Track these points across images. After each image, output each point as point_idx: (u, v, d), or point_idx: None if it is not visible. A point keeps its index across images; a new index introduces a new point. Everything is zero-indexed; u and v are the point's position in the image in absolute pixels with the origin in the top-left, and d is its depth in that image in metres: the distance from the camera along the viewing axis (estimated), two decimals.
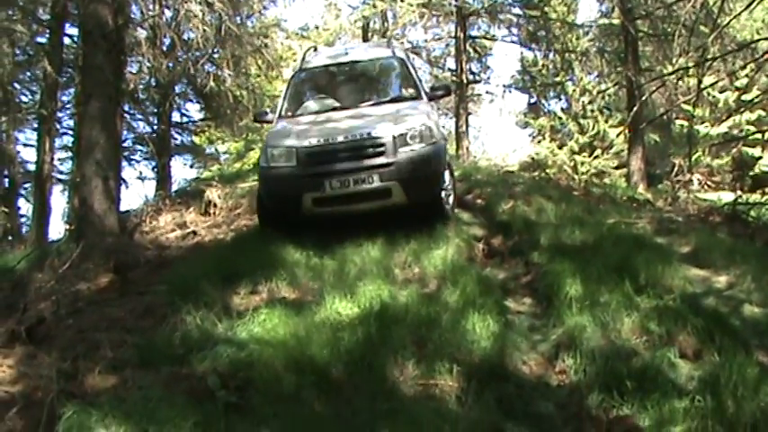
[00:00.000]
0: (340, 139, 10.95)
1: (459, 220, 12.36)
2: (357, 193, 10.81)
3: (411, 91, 13.20)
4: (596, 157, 27.13)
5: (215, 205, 14.21)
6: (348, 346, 7.46)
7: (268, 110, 15.16)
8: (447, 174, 11.89)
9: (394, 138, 10.92)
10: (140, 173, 29.35)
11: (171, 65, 22.02)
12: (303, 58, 14.48)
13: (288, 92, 13.48)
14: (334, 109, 12.68)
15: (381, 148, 10.88)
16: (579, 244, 10.46)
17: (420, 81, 13.53)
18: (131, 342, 7.88)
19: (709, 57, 18.41)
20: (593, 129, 29.92)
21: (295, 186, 10.85)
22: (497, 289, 9.29)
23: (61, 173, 28.96)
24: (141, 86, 23.49)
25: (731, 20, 19.26)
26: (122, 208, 13.35)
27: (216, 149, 36.46)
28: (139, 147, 28.63)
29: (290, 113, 12.93)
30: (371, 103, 12.85)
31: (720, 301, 8.81)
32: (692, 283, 9.29)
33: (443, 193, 11.67)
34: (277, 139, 11.51)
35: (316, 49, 15.14)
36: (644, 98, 22.43)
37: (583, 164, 23.76)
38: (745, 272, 9.50)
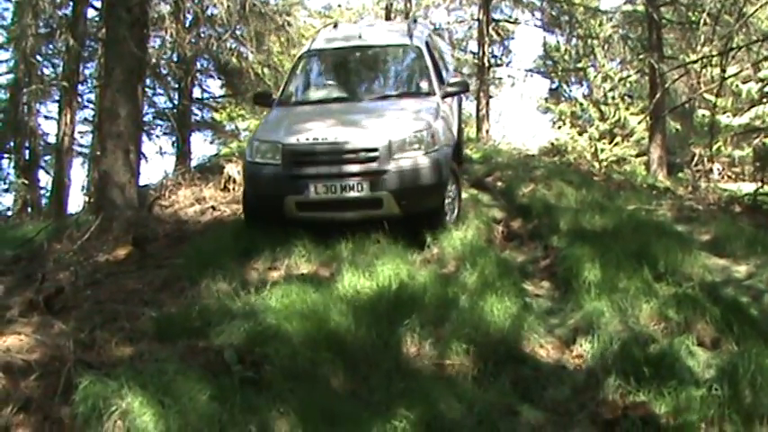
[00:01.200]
0: (330, 138, 9.82)
1: (478, 202, 12.30)
2: (344, 201, 9.71)
3: (424, 85, 11.68)
4: (617, 144, 27.02)
5: (234, 181, 14.12)
6: (365, 324, 7.46)
7: (272, 92, 14.17)
8: (452, 181, 10.60)
9: (390, 142, 9.72)
10: (160, 147, 29.29)
11: (193, 40, 22.02)
12: (314, 38, 13.25)
13: (291, 75, 12.31)
14: (336, 100, 11.59)
15: (374, 153, 9.71)
16: (599, 229, 10.42)
17: (436, 73, 11.89)
18: (149, 314, 7.89)
19: (734, 46, 18.30)
20: (614, 116, 29.79)
21: (277, 187, 9.79)
22: (516, 272, 9.28)
23: (81, 146, 29.01)
24: (163, 61, 23.51)
25: (757, 9, 19.11)
26: (142, 182, 13.32)
27: (236, 126, 36.32)
28: (160, 121, 28.65)
29: (289, 100, 11.76)
30: (377, 96, 11.58)
31: (739, 291, 8.80)
32: (711, 271, 9.27)
33: (446, 202, 10.42)
34: (265, 131, 10.64)
35: (336, 26, 13.72)
36: (666, 86, 22.35)
37: (603, 150, 23.66)
38: (765, 262, 9.51)
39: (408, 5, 34.34)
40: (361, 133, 9.92)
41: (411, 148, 9.84)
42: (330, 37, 12.95)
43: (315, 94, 12.12)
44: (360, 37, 12.65)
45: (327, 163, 9.78)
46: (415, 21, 14.59)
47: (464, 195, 12.03)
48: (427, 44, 12.53)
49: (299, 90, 12.20)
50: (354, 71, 12.69)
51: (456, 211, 10.78)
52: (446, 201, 10.41)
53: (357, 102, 11.37)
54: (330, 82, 12.64)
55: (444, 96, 11.55)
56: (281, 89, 12.20)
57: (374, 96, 11.61)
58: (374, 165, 9.69)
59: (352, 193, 9.64)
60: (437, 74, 11.96)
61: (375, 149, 9.71)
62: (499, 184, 13.95)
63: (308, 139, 9.85)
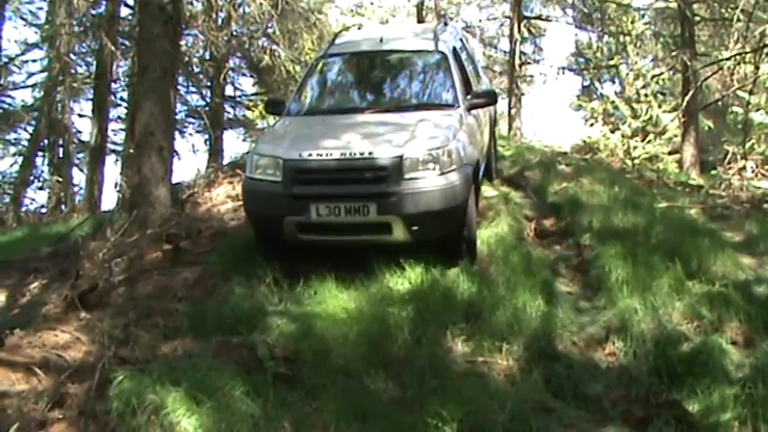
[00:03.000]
0: (336, 155, 8.85)
1: (510, 200, 12.28)
2: (349, 225, 8.78)
3: (446, 95, 10.52)
4: (649, 141, 26.87)
5: None
6: (398, 322, 7.49)
7: (284, 99, 12.33)
8: (471, 204, 9.46)
9: (402, 161, 8.70)
10: (193, 145, 29.36)
11: (226, 38, 22.07)
12: (333, 41, 12.18)
13: (305, 81, 11.31)
14: (348, 110, 10.41)
15: (383, 173, 8.71)
16: (631, 227, 10.38)
17: (462, 82, 10.77)
18: (182, 311, 7.98)
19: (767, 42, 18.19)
20: (646, 113, 29.63)
21: (277, 207, 8.89)
22: (548, 269, 9.26)
23: (115, 143, 29.07)
24: (196, 59, 23.60)
25: None
26: (175, 179, 13.36)
27: (268, 124, 36.49)
28: (192, 119, 28.68)
29: (299, 109, 10.73)
30: (393, 107, 10.36)
31: None
32: (744, 270, 9.23)
33: (465, 230, 9.25)
34: (266, 144, 9.77)
35: (360, 27, 13.13)
36: (699, 83, 22.21)
37: (635, 148, 23.54)
38: None
39: (439, 3, 34.30)
40: (371, 150, 8.87)
41: (425, 167, 8.80)
42: (348, 40, 12.12)
43: (326, 103, 11.05)
44: (381, 41, 11.46)
45: (331, 182, 8.87)
46: (446, 23, 13.05)
47: (494, 193, 12.02)
48: (454, 50, 11.54)
49: (310, 98, 11.19)
50: (371, 79, 11.53)
51: (473, 236, 9.57)
52: (464, 227, 9.24)
53: (370, 113, 10.17)
54: (344, 90, 11.52)
55: (470, 108, 10.43)
56: (292, 96, 11.24)
57: (390, 107, 10.38)
58: (383, 185, 8.69)
59: (358, 217, 8.69)
60: (463, 83, 10.89)
61: (384, 168, 8.73)
62: (531, 181, 13.91)
63: (311, 155, 8.89)
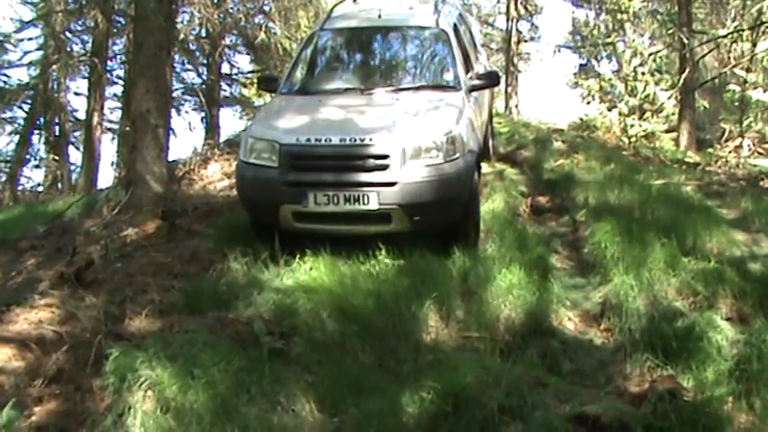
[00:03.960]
0: (335, 140, 8.46)
1: (505, 177, 12.27)
2: (348, 214, 8.39)
3: (448, 76, 10.10)
4: (646, 119, 26.85)
5: None
6: (393, 297, 7.50)
7: (278, 76, 12.17)
8: (475, 192, 9.27)
9: (404, 148, 8.35)
10: (189, 123, 29.30)
11: (221, 15, 22.04)
12: (329, 15, 11.53)
13: (299, 57, 10.74)
14: (346, 90, 9.92)
15: (385, 161, 8.33)
16: (627, 204, 10.41)
17: (463, 62, 10.37)
18: (178, 287, 7.98)
19: (765, 20, 18.18)
20: (643, 91, 29.62)
21: (273, 194, 8.50)
22: (543, 245, 9.27)
23: (111, 122, 29.06)
24: (191, 37, 23.57)
25: None
26: (171, 157, 13.38)
27: (265, 102, 36.42)
28: (189, 97, 28.68)
29: (293, 87, 10.26)
30: (393, 88, 9.80)
31: (767, 266, 8.76)
32: (739, 246, 9.29)
33: (468, 218, 9.04)
34: (261, 126, 9.28)
35: (354, 1, 11.86)
36: (696, 61, 22.20)
37: (632, 126, 23.49)
38: None
39: None
40: (371, 135, 8.47)
41: (428, 155, 8.45)
42: (345, 14, 11.41)
43: (322, 82, 10.45)
44: (379, 16, 10.86)
45: (330, 169, 8.46)
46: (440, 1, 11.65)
47: (490, 170, 11.97)
48: (455, 27, 11.07)
49: (305, 76, 10.61)
50: (369, 56, 11.01)
51: (478, 221, 9.41)
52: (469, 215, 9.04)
53: (369, 94, 9.69)
54: (341, 68, 10.86)
55: (471, 90, 10.03)
56: (286, 73, 10.75)
57: (390, 88, 9.81)
58: (384, 174, 8.32)
59: (357, 206, 8.32)
60: (465, 62, 10.50)
61: (385, 156, 8.34)
62: (527, 158, 13.90)
63: (308, 140, 8.50)
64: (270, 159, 8.61)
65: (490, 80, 10.54)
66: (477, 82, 10.25)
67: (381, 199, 8.28)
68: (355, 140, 8.45)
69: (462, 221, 8.85)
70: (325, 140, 8.48)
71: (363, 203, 8.30)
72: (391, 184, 8.29)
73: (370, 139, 8.43)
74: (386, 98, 9.56)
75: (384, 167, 8.33)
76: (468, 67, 10.65)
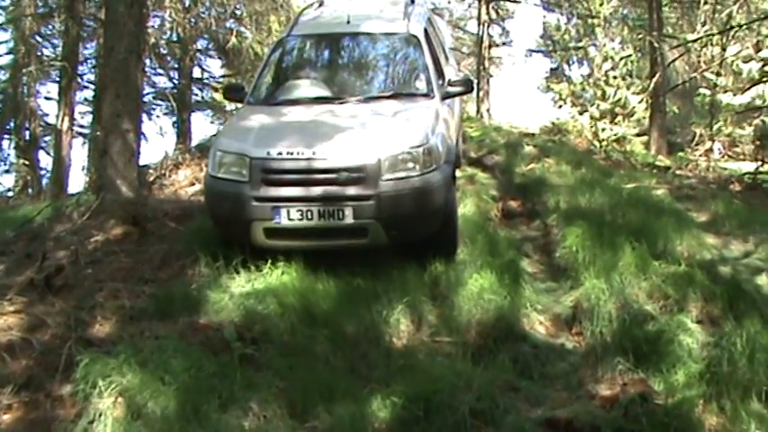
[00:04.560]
0: (308, 153, 8.18)
1: (476, 181, 12.28)
2: (322, 229, 8.15)
3: (421, 84, 9.83)
4: (617, 123, 26.99)
5: None
6: (364, 302, 7.51)
7: (244, 85, 11.88)
8: (453, 203, 9.03)
9: (379, 161, 8.12)
10: (160, 128, 29.26)
11: (193, 20, 22.00)
12: (296, 20, 11.29)
13: (266, 66, 10.50)
14: (317, 99, 9.59)
15: (360, 174, 8.09)
16: (598, 208, 10.44)
17: (435, 69, 10.14)
18: (149, 292, 7.94)
19: (734, 25, 18.30)
20: (614, 95, 29.78)
21: (243, 210, 8.23)
22: (514, 249, 9.29)
23: (82, 126, 28.92)
24: (163, 41, 23.51)
25: None
26: (142, 162, 13.29)
27: (236, 106, 36.37)
28: (160, 102, 28.60)
29: (262, 97, 9.99)
30: (365, 97, 9.59)
31: (737, 269, 8.83)
32: (709, 249, 9.34)
33: (447, 230, 8.77)
34: (229, 138, 9.03)
35: (321, 4, 11.65)
36: (666, 65, 22.33)
37: (603, 130, 23.61)
38: (763, 240, 9.60)
39: None
40: (345, 147, 8.26)
41: (404, 167, 8.22)
42: (313, 20, 11.16)
43: (292, 91, 10.00)
44: (348, 22, 10.52)
45: (303, 183, 8.19)
46: (413, 0, 11.61)
47: (461, 174, 11.91)
48: (426, 32, 10.76)
49: (273, 85, 10.33)
50: (339, 64, 10.78)
51: (457, 233, 9.09)
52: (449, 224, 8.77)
53: (341, 103, 9.42)
54: (310, 77, 10.38)
55: (444, 98, 9.81)
56: (253, 82, 10.42)
57: (362, 97, 9.58)
58: (359, 187, 8.09)
59: (332, 221, 8.07)
60: (436, 69, 10.25)
61: (361, 169, 8.11)
62: (498, 162, 13.93)
63: (280, 153, 8.23)
64: (239, 174, 8.32)
65: (464, 87, 10.12)
66: (450, 89, 9.94)
67: (357, 213, 8.04)
68: (328, 153, 8.19)
69: (440, 233, 8.59)
70: (298, 153, 8.20)
71: (338, 218, 8.06)
72: (367, 198, 8.06)
73: (344, 152, 8.20)
74: (358, 108, 9.28)
75: (359, 181, 8.09)
76: (439, 72, 10.37)
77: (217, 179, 8.52)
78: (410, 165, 8.24)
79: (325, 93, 9.85)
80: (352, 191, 8.09)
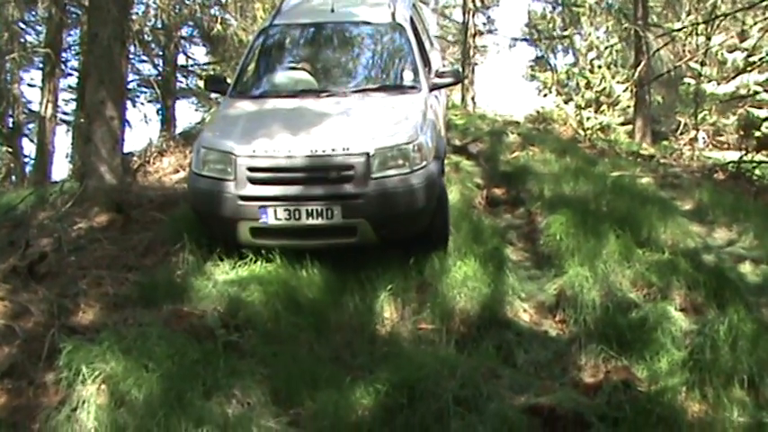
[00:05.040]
0: (294, 150, 7.93)
1: (461, 168, 12.28)
2: (311, 228, 7.88)
3: (408, 76, 9.51)
4: (602, 112, 27.02)
5: None
6: (348, 290, 7.51)
7: (227, 76, 11.66)
8: (444, 199, 8.74)
9: (368, 158, 7.87)
10: (145, 115, 29.20)
11: (177, 7, 21.90)
12: (279, 9, 10.96)
13: (248, 57, 10.12)
14: (302, 93, 9.29)
15: (348, 172, 7.88)
16: (582, 196, 10.45)
17: (422, 60, 9.82)
18: (132, 279, 7.92)
19: (719, 14, 18.35)
20: (599, 84, 29.80)
21: (228, 209, 7.98)
22: (498, 237, 9.28)
23: (65, 113, 28.84)
24: (147, 28, 23.41)
25: None
26: (126, 149, 13.25)
27: (217, 101, 36.34)
28: (144, 89, 28.50)
29: (245, 90, 9.70)
30: (351, 90, 9.32)
31: (721, 257, 8.87)
32: (693, 238, 9.38)
33: (438, 226, 8.57)
34: (214, 135, 8.61)
35: None
36: (651, 54, 22.35)
37: (588, 119, 23.63)
38: (746, 229, 9.59)
39: None
40: (333, 146, 7.95)
41: (394, 164, 7.97)
42: (296, 8, 10.87)
43: (276, 83, 9.71)
44: (332, 10, 10.28)
45: (290, 182, 7.94)
46: None
47: (445, 162, 11.90)
48: (411, 20, 10.47)
49: (256, 77, 10.05)
50: (323, 55, 10.34)
51: (447, 228, 8.79)
52: (438, 219, 8.54)
53: (327, 97, 9.13)
54: (294, 69, 9.93)
55: (432, 89, 9.54)
56: (236, 74, 10.08)
57: (348, 90, 9.31)
58: (348, 186, 7.88)
59: (320, 220, 7.81)
60: (423, 59, 9.93)
61: (350, 167, 7.88)
62: (482, 150, 13.91)
63: (266, 151, 7.99)
64: (224, 172, 8.05)
65: (452, 78, 9.93)
66: (438, 80, 9.69)
67: (346, 212, 7.80)
68: (316, 151, 7.92)
69: (431, 228, 8.42)
70: (284, 151, 7.96)
71: (327, 217, 7.80)
72: (356, 197, 7.83)
73: (333, 149, 7.93)
74: (345, 102, 8.98)
75: (348, 179, 7.87)
76: (426, 62, 10.09)
77: (201, 176, 8.23)
78: (400, 162, 7.99)
79: (310, 85, 9.52)
80: (341, 189, 7.87)
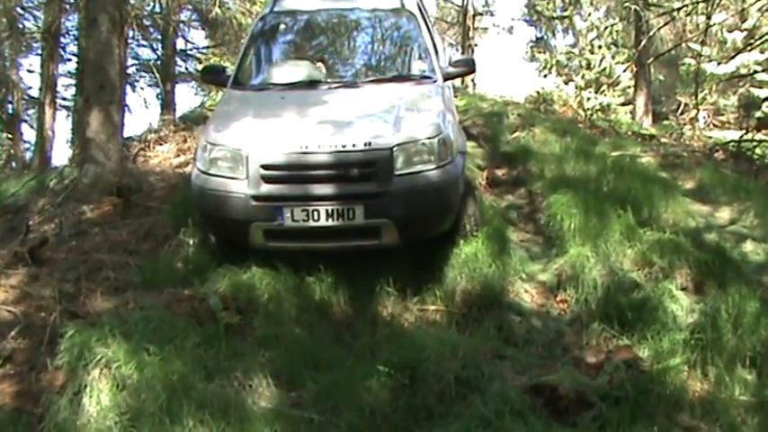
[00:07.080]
0: (312, 147, 7.23)
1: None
2: (330, 230, 7.19)
3: (423, 65, 8.94)
4: (602, 92, 27.03)
5: None
6: (349, 271, 7.48)
7: (227, 66, 11.09)
8: (468, 197, 8.18)
9: (392, 154, 7.22)
10: (144, 99, 29.25)
11: None
12: None
13: (250, 45, 9.47)
14: (311, 84, 8.67)
15: (371, 169, 7.21)
16: (583, 176, 10.41)
17: (435, 48, 9.33)
18: (133, 264, 7.94)
19: None
20: (599, 65, 29.80)
21: (240, 211, 7.28)
22: (500, 218, 9.25)
23: (65, 99, 28.88)
24: (146, 12, 23.38)
25: None
26: (126, 134, 13.24)
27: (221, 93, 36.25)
28: (143, 73, 28.52)
29: (249, 81, 9.10)
30: (364, 80, 8.78)
31: (723, 236, 8.84)
32: (694, 217, 9.34)
33: (465, 221, 8.05)
34: (221, 131, 7.76)
35: None
36: (651, 34, 22.33)
37: (589, 99, 23.66)
38: (748, 208, 9.55)
39: None
40: (354, 139, 7.30)
41: (419, 160, 7.34)
42: None
43: (282, 74, 8.99)
44: None
45: (308, 180, 7.26)
46: None
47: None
48: (419, 6, 9.83)
49: (260, 67, 9.42)
50: (332, 44, 9.83)
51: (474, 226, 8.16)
52: (465, 219, 8.06)
53: (339, 88, 8.60)
54: (301, 58, 9.40)
55: (446, 79, 8.88)
56: (236, 63, 9.38)
57: (360, 81, 8.77)
58: (371, 184, 7.20)
59: (342, 221, 7.15)
60: (434, 47, 9.33)
61: (372, 163, 7.21)
62: (483, 130, 13.88)
63: (281, 147, 7.33)
64: (235, 170, 7.35)
65: (467, 67, 9.28)
66: (452, 70, 9.07)
67: (368, 212, 7.15)
68: (336, 146, 7.25)
69: (457, 227, 7.98)
70: (301, 148, 7.28)
71: (348, 218, 7.15)
72: (379, 195, 7.18)
73: (353, 145, 7.26)
74: (359, 94, 8.41)
75: (371, 177, 7.22)
76: (436, 50, 9.43)
77: (208, 175, 7.52)
78: (425, 157, 7.36)
79: (319, 76, 8.94)
80: (362, 188, 7.21)
